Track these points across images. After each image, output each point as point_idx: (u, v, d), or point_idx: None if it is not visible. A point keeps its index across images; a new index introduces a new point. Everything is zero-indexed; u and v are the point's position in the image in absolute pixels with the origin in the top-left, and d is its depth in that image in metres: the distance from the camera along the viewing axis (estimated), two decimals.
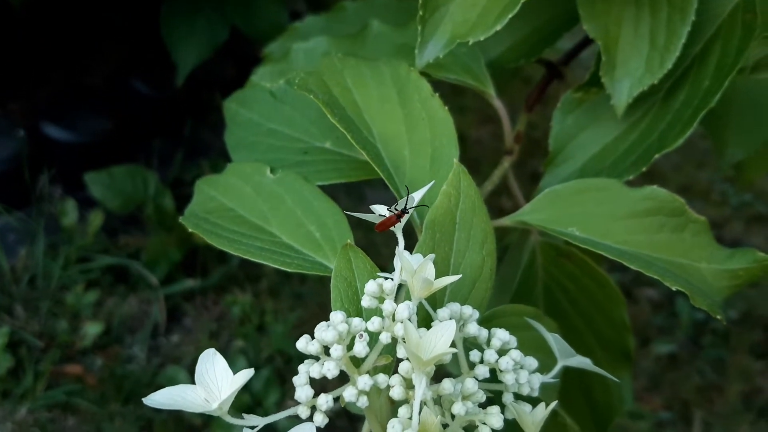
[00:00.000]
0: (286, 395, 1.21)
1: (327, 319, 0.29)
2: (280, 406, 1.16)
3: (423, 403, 0.26)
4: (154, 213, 1.41)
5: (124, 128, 1.53)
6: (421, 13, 0.43)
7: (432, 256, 0.30)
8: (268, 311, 1.35)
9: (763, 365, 1.59)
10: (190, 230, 0.41)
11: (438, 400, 0.30)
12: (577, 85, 0.51)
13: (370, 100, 0.43)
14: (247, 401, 1.15)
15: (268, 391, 1.17)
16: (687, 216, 0.44)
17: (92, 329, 1.25)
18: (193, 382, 0.27)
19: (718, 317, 0.39)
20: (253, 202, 0.43)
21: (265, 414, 0.27)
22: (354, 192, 1.54)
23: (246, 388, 1.17)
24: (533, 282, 0.57)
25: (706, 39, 0.49)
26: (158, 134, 1.61)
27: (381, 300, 0.29)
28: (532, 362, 0.33)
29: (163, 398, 0.26)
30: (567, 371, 0.57)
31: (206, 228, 0.41)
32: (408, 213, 0.33)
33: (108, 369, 1.22)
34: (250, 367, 1.28)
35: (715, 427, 1.45)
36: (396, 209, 0.33)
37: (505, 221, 0.44)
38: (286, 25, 0.72)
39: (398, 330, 0.28)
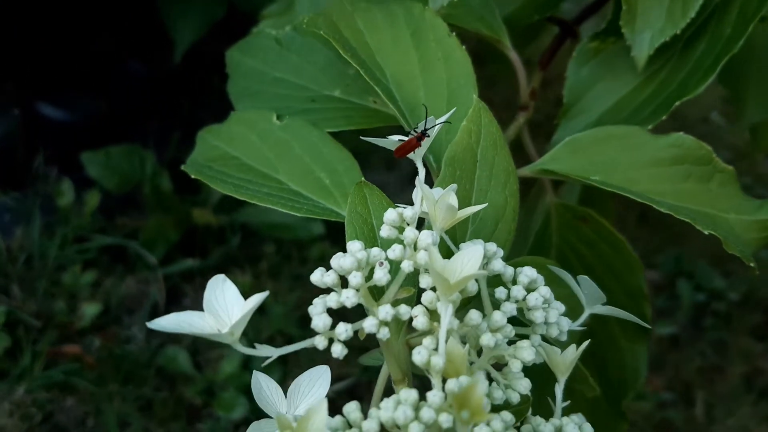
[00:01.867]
0: (287, 375, 1.19)
1: None
2: (281, 385, 1.14)
3: (449, 334, 0.25)
4: (152, 193, 1.39)
5: (120, 108, 1.51)
6: None
7: (454, 186, 0.28)
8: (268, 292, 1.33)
9: (764, 347, 1.58)
10: (192, 176, 0.39)
11: (463, 339, 0.28)
12: (592, 33, 0.49)
13: (383, 42, 0.41)
14: (247, 380, 1.13)
15: (269, 371, 1.15)
16: (714, 165, 0.42)
17: (90, 309, 1.23)
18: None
19: (752, 264, 0.37)
20: (259, 150, 0.41)
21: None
22: None
23: (247, 367, 1.15)
24: (547, 246, 0.55)
25: None
26: (155, 114, 1.58)
27: (401, 230, 0.27)
28: (560, 305, 0.31)
29: (168, 323, 0.24)
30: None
31: (210, 175, 0.39)
32: (429, 136, 0.31)
33: (106, 349, 1.19)
34: (249, 346, 1.27)
35: (717, 407, 1.44)
36: (416, 131, 0.31)
37: (525, 171, 0.43)
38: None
39: (421, 257, 0.26)
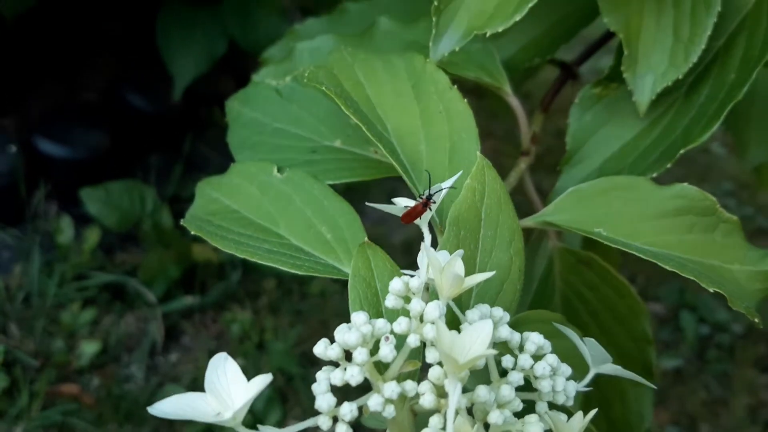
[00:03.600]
0: (288, 414, 1.18)
1: (329, 336, 0.26)
2: (281, 425, 1.13)
3: (457, 412, 0.24)
4: (152, 229, 1.38)
5: (120, 143, 1.51)
6: (436, 3, 0.41)
7: (460, 252, 0.28)
8: (267, 329, 1.32)
9: None
10: (192, 232, 0.38)
11: (469, 411, 0.27)
12: (596, 80, 0.49)
13: (384, 95, 0.40)
14: (248, 421, 1.12)
15: (269, 410, 1.14)
16: (718, 215, 0.41)
17: (89, 348, 1.22)
18: None
19: (756, 320, 0.37)
20: (259, 203, 0.40)
21: None
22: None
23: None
24: (551, 291, 0.54)
25: (731, 31, 0.47)
26: (156, 150, 1.58)
27: (407, 300, 0.27)
28: (567, 369, 0.30)
29: (170, 408, 0.23)
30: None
31: (210, 230, 0.38)
32: (435, 201, 0.30)
33: (105, 388, 1.18)
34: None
35: None
36: (422, 197, 0.30)
37: (528, 222, 0.42)
38: None
39: (428, 332, 0.25)
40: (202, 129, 1.59)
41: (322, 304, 1.31)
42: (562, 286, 0.54)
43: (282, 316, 1.35)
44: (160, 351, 1.26)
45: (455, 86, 0.40)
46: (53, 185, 1.43)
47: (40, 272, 1.29)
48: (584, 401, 0.55)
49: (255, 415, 1.13)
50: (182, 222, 0.40)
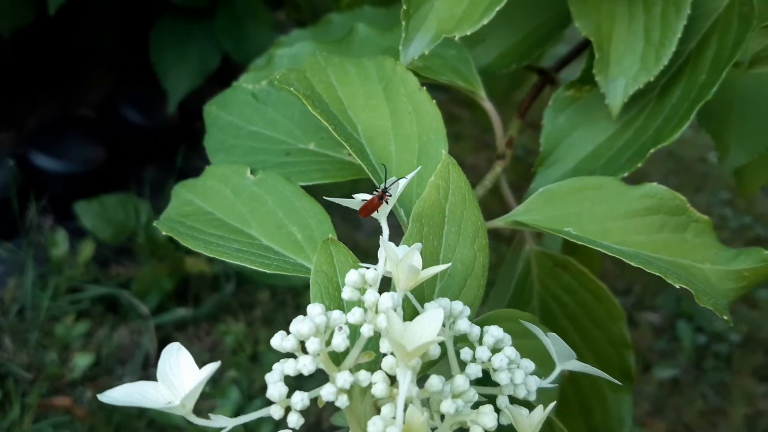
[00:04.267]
0: (280, 425, 1.17)
1: None
2: None
3: (408, 401, 0.24)
4: (146, 242, 1.39)
5: (115, 157, 1.52)
6: (405, 7, 0.42)
7: (418, 245, 0.28)
8: (261, 340, 1.32)
9: (766, 388, 1.56)
10: (164, 233, 0.38)
11: (426, 402, 0.27)
12: (568, 82, 0.50)
13: (355, 96, 0.41)
14: (239, 431, 1.11)
15: (260, 421, 1.14)
16: (689, 215, 0.42)
17: (82, 361, 1.22)
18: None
19: (725, 318, 0.37)
20: (232, 205, 0.41)
21: None
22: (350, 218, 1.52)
23: None
24: (528, 295, 0.55)
25: (702, 33, 0.47)
26: (150, 163, 1.59)
27: (363, 291, 0.27)
28: (529, 364, 0.30)
29: (120, 395, 0.23)
30: (566, 392, 0.55)
31: (182, 231, 0.39)
32: (390, 194, 0.31)
33: (98, 401, 1.18)
34: (243, 397, 1.25)
35: None
36: (377, 191, 0.31)
37: (498, 222, 0.42)
38: None
39: (381, 322, 0.25)
40: (196, 142, 1.60)
41: None
42: (540, 288, 0.54)
43: (276, 328, 1.34)
44: (153, 363, 1.26)
45: (424, 87, 0.41)
46: (48, 199, 1.44)
47: (34, 285, 1.30)
48: (564, 407, 0.55)
49: (247, 426, 1.13)
50: (155, 223, 0.40)
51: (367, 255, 0.36)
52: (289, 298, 1.41)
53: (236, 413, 1.14)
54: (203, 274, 1.37)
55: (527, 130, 0.57)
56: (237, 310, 1.38)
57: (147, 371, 1.25)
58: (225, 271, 1.40)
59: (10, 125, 1.53)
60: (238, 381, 1.21)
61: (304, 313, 0.27)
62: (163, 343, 1.29)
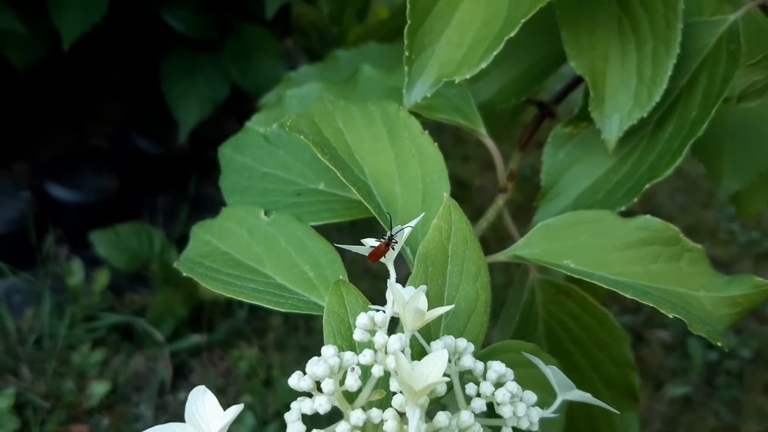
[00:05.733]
0: None
1: None
2: None
3: None
4: (160, 270, 1.41)
5: (128, 186, 1.55)
6: (407, 53, 0.44)
7: (424, 287, 0.30)
8: (275, 365, 1.34)
9: None
10: (186, 275, 0.41)
11: None
12: (566, 119, 0.52)
13: (361, 140, 0.43)
14: None
15: None
16: (682, 245, 0.44)
17: (98, 388, 1.25)
18: None
19: (719, 344, 0.39)
20: (248, 245, 0.43)
21: None
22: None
23: None
24: (534, 321, 0.56)
25: (693, 70, 0.50)
26: (163, 191, 1.62)
27: (373, 333, 0.29)
28: (531, 396, 0.32)
29: None
30: (573, 411, 0.57)
31: (201, 272, 0.41)
32: (396, 241, 0.33)
33: (115, 428, 1.20)
34: (258, 422, 1.26)
35: None
36: (383, 238, 0.33)
37: (500, 256, 0.44)
38: None
39: (390, 362, 0.27)
40: (208, 170, 1.63)
41: None
42: (545, 315, 0.56)
43: (289, 353, 1.37)
44: (168, 390, 1.28)
45: (426, 131, 0.43)
46: (64, 229, 1.47)
47: (51, 314, 1.32)
48: (571, 426, 0.56)
49: None
50: (175, 264, 0.42)
51: (365, 275, 0.38)
52: (301, 323, 1.43)
53: None
54: (217, 300, 1.40)
55: (534, 150, 0.59)
56: (250, 335, 1.40)
57: (163, 398, 1.27)
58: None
59: (24, 156, 1.56)
60: (253, 406, 1.23)
61: (316, 338, 0.29)
62: (178, 370, 1.31)
